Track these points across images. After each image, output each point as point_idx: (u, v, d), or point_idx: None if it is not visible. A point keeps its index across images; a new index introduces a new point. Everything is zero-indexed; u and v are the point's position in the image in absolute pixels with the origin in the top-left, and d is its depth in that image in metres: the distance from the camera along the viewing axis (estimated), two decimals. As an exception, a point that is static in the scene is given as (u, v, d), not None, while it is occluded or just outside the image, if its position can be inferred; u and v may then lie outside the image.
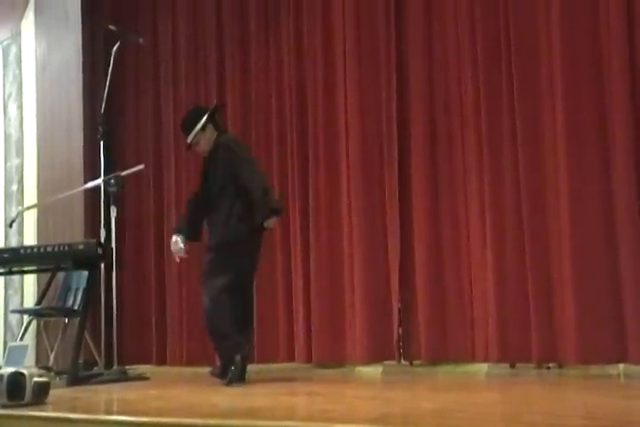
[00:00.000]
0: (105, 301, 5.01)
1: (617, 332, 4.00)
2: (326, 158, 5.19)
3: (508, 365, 4.38)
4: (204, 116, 4.31)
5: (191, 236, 4.33)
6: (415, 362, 4.76)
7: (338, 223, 5.10)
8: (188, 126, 4.33)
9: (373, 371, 4.78)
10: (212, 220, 4.25)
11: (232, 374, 3.98)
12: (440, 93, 4.79)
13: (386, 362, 4.80)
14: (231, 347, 4.07)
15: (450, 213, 4.70)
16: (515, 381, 4.09)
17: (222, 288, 4.08)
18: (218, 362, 4.36)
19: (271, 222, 4.11)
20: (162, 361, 5.84)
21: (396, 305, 4.77)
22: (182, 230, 4.34)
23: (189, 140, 4.32)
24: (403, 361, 4.75)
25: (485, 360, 4.44)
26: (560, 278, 4.18)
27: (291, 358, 5.22)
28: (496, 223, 4.43)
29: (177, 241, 4.30)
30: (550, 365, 4.26)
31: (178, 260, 4.42)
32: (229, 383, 3.95)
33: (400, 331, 4.74)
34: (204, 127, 4.29)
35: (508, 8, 4.48)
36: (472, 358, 4.51)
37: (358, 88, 5.07)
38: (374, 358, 4.84)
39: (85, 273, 4.82)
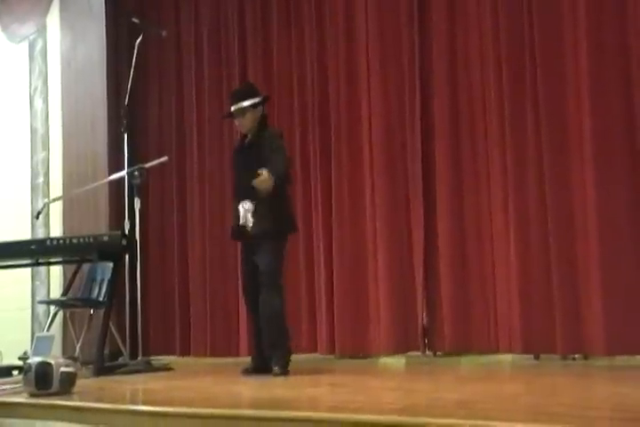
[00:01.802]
0: (129, 292, 5.04)
1: (644, 323, 3.96)
2: (349, 153, 5.18)
3: (532, 356, 4.35)
4: (258, 95, 4.23)
5: None
6: (439, 353, 4.75)
7: (361, 215, 5.09)
8: (241, 95, 4.21)
9: (397, 362, 4.78)
10: (252, 208, 4.05)
11: (284, 365, 3.96)
12: (464, 88, 4.76)
13: (410, 353, 4.80)
14: (287, 340, 4.08)
15: (473, 205, 4.67)
16: (539, 372, 4.06)
17: (280, 277, 4.08)
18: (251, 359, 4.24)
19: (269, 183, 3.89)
20: (185, 352, 5.88)
21: (420, 296, 4.75)
22: None
23: (235, 108, 4.17)
24: (427, 352, 4.75)
25: (510, 351, 4.42)
26: (585, 268, 4.15)
27: (314, 349, 5.23)
28: (520, 213, 4.40)
29: None
30: (575, 356, 4.23)
31: None
32: (282, 374, 3.91)
33: (424, 322, 4.73)
34: (256, 105, 4.18)
35: (532, 3, 4.43)
36: (496, 349, 4.49)
37: (381, 82, 5.04)
38: (398, 349, 4.83)
39: (110, 264, 4.86)
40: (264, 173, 3.85)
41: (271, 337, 4.02)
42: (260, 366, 4.05)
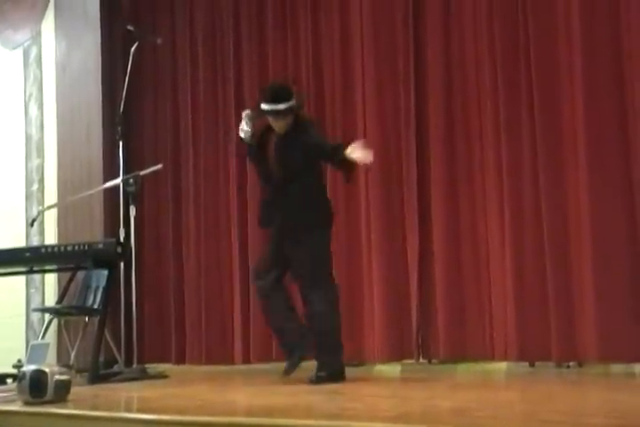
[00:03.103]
0: (124, 300, 5.03)
1: (638, 330, 3.97)
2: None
3: (527, 363, 4.36)
4: (294, 97, 4.00)
5: None
6: (434, 361, 4.75)
7: (356, 220, 5.09)
8: (284, 96, 3.96)
9: (392, 370, 4.78)
10: (284, 204, 3.97)
11: (332, 371, 3.83)
12: (458, 92, 4.77)
13: (404, 361, 4.79)
14: (339, 344, 3.94)
15: (468, 211, 4.68)
16: (534, 379, 4.07)
17: (331, 276, 3.98)
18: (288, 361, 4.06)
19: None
20: (181, 360, 5.86)
21: (414, 303, 4.76)
22: None
23: (277, 108, 3.93)
24: (421, 360, 4.75)
25: (504, 359, 4.43)
26: (580, 276, 4.16)
27: (308, 356, 5.22)
28: (515, 221, 4.41)
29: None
30: (570, 363, 4.24)
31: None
32: (326, 381, 3.78)
33: (419, 329, 4.73)
34: (296, 107, 3.99)
35: (527, 7, 4.46)
36: (491, 356, 4.50)
37: (376, 85, 5.06)
38: (393, 356, 4.83)
39: (105, 272, 4.85)
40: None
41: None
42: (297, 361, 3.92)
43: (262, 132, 4.11)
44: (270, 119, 4.02)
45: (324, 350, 3.89)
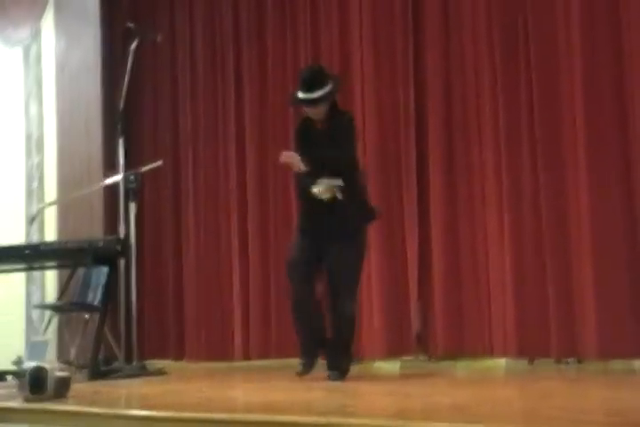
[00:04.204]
0: (124, 297, 5.03)
1: (637, 326, 3.98)
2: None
3: (526, 360, 4.36)
4: (331, 78, 3.82)
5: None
6: (433, 357, 4.76)
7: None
8: (318, 83, 3.76)
9: (391, 366, 4.78)
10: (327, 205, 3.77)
11: (345, 369, 3.84)
12: (458, 96, 4.77)
13: (404, 357, 4.80)
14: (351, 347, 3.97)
15: (467, 208, 4.69)
16: (534, 376, 4.08)
17: (358, 280, 3.90)
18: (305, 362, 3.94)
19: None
20: (180, 356, 5.87)
21: (413, 300, 4.76)
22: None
23: (312, 97, 3.76)
24: (421, 356, 4.75)
25: (504, 355, 4.44)
26: (579, 272, 4.17)
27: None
28: (514, 216, 4.42)
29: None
30: (570, 360, 4.24)
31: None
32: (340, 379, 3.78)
33: (418, 326, 4.74)
34: (332, 93, 3.81)
35: (527, 10, 4.45)
36: (490, 353, 4.50)
37: (375, 87, 5.06)
38: (392, 353, 4.84)
39: (105, 269, 4.85)
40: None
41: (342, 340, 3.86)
42: (314, 360, 3.88)
43: (301, 128, 3.98)
44: (305, 108, 3.88)
45: (341, 351, 3.88)
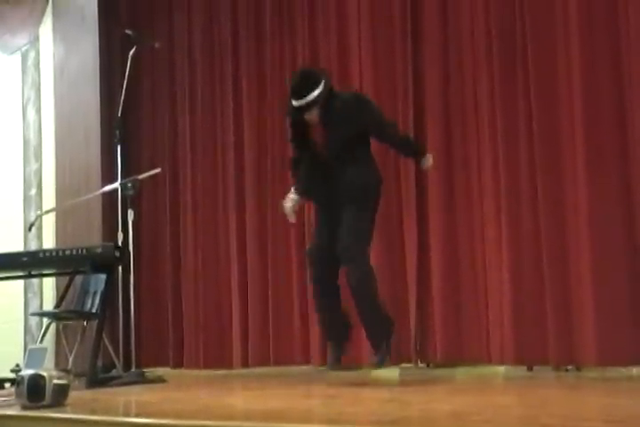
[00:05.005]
0: (123, 304, 5.03)
1: (636, 333, 3.98)
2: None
3: (525, 367, 4.36)
4: (321, 79, 3.82)
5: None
6: (432, 364, 4.75)
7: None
8: (307, 88, 3.78)
9: (390, 374, 4.77)
10: (332, 177, 3.83)
11: (384, 354, 3.75)
12: (457, 98, 4.77)
13: (402, 365, 4.79)
14: (386, 322, 3.84)
15: (465, 214, 4.69)
16: (532, 383, 4.07)
17: (368, 253, 3.82)
18: (332, 354, 3.92)
19: None
20: (179, 364, 5.86)
21: (412, 308, 4.76)
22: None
23: (301, 103, 3.78)
24: (419, 364, 4.75)
25: (502, 362, 4.43)
26: (578, 279, 4.16)
27: (306, 360, 5.22)
28: (512, 223, 4.42)
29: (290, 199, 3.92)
30: (568, 367, 4.24)
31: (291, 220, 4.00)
32: (381, 365, 3.74)
33: (417, 334, 4.73)
34: (324, 93, 3.79)
35: (524, 8, 4.47)
36: (488, 360, 4.50)
37: (373, 91, 5.05)
38: (391, 360, 4.82)
39: (103, 276, 4.84)
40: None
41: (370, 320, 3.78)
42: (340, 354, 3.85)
43: (295, 115, 3.93)
44: (305, 115, 3.86)
45: (371, 328, 3.82)
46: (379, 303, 3.83)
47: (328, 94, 3.83)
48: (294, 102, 3.83)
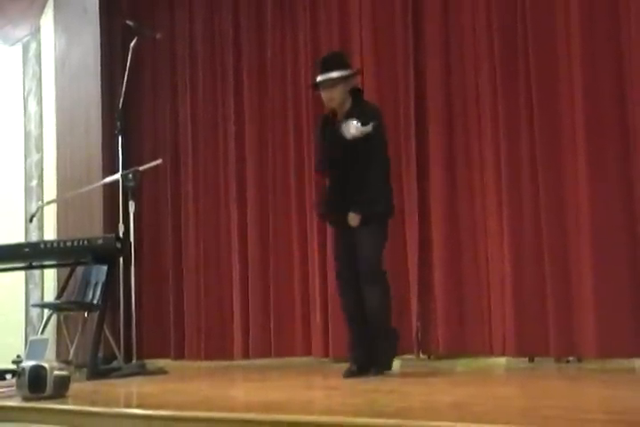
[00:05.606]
0: (124, 295, 5.03)
1: (637, 325, 3.97)
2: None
3: (526, 358, 4.36)
4: (350, 67, 3.85)
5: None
6: (433, 356, 4.75)
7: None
8: (330, 65, 3.79)
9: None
10: (344, 189, 3.82)
11: (382, 368, 3.83)
12: (458, 93, 4.74)
13: (404, 356, 4.79)
14: (393, 337, 3.96)
15: (467, 207, 4.68)
16: (533, 374, 4.07)
17: (383, 270, 3.82)
18: (351, 366, 3.91)
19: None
20: (180, 355, 5.87)
21: (414, 299, 4.76)
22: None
23: (323, 78, 3.77)
24: (421, 355, 4.75)
25: (503, 354, 4.43)
26: (579, 271, 4.16)
27: (308, 352, 5.23)
28: (514, 216, 4.41)
29: None
30: (569, 358, 4.24)
31: None
32: (380, 373, 3.79)
33: (418, 325, 4.73)
34: (347, 77, 3.80)
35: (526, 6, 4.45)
36: (490, 351, 4.50)
37: (375, 86, 5.04)
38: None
39: (104, 268, 4.85)
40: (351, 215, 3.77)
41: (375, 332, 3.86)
42: (365, 365, 3.87)
43: (322, 124, 3.96)
44: (322, 94, 3.85)
45: (377, 344, 3.87)
46: (390, 320, 3.91)
47: (353, 91, 3.84)
48: (318, 77, 3.82)
